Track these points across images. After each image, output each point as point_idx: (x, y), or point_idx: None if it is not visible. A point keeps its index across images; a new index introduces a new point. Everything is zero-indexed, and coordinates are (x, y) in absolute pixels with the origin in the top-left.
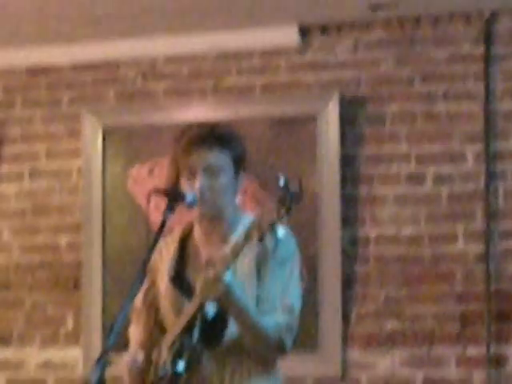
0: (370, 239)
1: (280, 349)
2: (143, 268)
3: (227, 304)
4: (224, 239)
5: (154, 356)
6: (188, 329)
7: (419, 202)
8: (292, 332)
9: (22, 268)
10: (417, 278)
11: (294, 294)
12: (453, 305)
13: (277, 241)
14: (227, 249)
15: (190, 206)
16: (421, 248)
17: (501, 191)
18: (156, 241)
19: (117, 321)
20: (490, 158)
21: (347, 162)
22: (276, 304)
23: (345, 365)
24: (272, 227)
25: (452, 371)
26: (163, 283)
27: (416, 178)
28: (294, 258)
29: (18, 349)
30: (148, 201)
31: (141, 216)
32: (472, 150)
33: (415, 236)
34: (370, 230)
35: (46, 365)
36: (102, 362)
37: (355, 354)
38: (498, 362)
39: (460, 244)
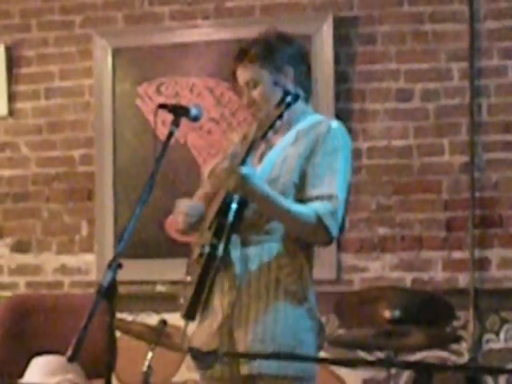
0: (362, 151)
1: (324, 234)
2: (152, 178)
3: (247, 194)
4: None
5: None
6: (223, 211)
7: (408, 117)
8: (335, 218)
9: (40, 180)
10: (406, 187)
11: (339, 184)
12: (439, 212)
13: (329, 129)
14: (244, 145)
15: (195, 119)
16: (410, 159)
17: (484, 106)
18: (163, 153)
19: (127, 228)
20: (475, 74)
21: (341, 79)
22: (320, 190)
23: (339, 268)
24: (273, 124)
25: (438, 274)
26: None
27: (405, 94)
28: (344, 151)
29: (36, 255)
30: (155, 116)
31: (148, 130)
32: (457, 68)
33: (404, 148)
34: (362, 143)
35: (62, 269)
36: (114, 266)
37: (349, 258)
38: (481, 265)
39: (446, 155)
